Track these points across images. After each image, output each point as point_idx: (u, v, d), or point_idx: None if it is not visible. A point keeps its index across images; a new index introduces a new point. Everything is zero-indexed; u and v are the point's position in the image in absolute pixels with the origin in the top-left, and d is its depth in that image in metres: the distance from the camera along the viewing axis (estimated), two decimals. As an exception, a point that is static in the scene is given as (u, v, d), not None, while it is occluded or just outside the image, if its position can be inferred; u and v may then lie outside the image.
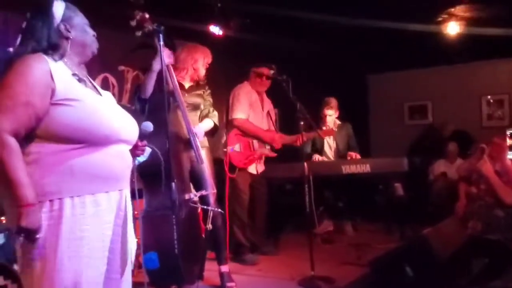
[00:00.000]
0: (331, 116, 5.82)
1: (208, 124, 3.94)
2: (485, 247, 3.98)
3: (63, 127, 1.86)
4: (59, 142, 1.86)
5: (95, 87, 2.12)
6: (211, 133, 4.07)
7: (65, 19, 2.02)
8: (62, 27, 2.01)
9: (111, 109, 2.04)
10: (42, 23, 1.98)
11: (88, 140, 1.89)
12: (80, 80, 1.97)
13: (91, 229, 1.90)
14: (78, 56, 2.07)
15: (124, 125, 2.05)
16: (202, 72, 4.00)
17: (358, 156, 5.61)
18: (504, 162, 4.43)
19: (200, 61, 3.98)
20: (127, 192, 2.11)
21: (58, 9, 2.03)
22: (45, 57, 1.91)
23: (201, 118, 3.96)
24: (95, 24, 4.80)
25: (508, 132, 4.36)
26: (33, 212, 1.77)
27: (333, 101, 5.88)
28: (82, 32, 2.07)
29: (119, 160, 2.01)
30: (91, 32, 2.11)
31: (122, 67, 5.16)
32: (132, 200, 2.18)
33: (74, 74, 1.96)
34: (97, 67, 4.87)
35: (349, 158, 5.62)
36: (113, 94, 4.96)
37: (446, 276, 3.44)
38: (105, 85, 4.92)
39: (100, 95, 2.09)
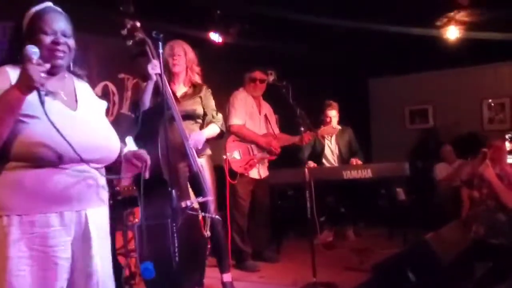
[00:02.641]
0: (335, 117, 5.82)
1: (212, 130, 3.88)
2: (488, 251, 3.97)
3: (16, 144, 1.83)
4: (13, 158, 1.84)
5: (76, 98, 2.05)
6: (219, 138, 4.03)
7: (28, 29, 1.98)
8: (25, 37, 1.96)
9: (77, 125, 1.94)
10: (13, 34, 2.00)
11: (39, 159, 1.83)
12: (47, 93, 1.86)
13: (42, 249, 1.84)
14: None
15: (90, 144, 1.95)
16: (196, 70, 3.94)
17: (360, 162, 5.61)
18: (504, 165, 4.42)
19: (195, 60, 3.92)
20: (94, 212, 2.02)
21: (26, 18, 1.99)
22: (9, 70, 1.89)
23: (206, 125, 3.91)
24: (95, 32, 4.80)
25: (507, 136, 4.33)
26: None
27: (334, 103, 5.89)
28: (37, 42, 1.92)
29: (77, 180, 1.92)
30: (46, 41, 1.95)
31: (122, 75, 5.16)
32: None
33: (38, 88, 1.80)
34: (97, 75, 4.88)
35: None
36: (113, 102, 5.01)
37: (449, 280, 3.42)
38: (105, 93, 4.92)
39: (74, 109, 2.00)
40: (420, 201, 6.34)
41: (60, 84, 2.03)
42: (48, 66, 1.84)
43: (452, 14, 5.89)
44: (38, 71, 1.76)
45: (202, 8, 5.31)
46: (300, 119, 4.39)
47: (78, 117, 1.99)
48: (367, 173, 5.21)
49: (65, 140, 1.81)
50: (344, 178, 5.21)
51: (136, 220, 4.04)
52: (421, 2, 5.35)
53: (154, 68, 3.23)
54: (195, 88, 3.89)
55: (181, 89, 3.88)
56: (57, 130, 1.80)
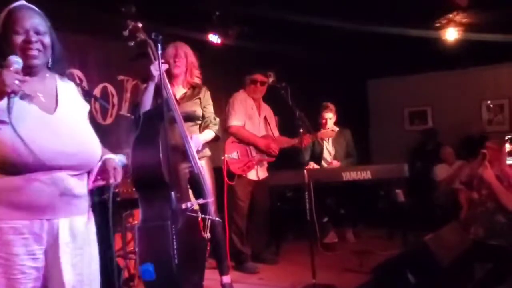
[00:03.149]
0: (331, 120, 5.84)
1: (208, 134, 3.88)
2: (487, 252, 3.97)
3: None
4: None
5: (57, 99, 1.98)
6: (213, 141, 4.02)
7: (2, 30, 1.92)
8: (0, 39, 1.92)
9: (52, 130, 1.87)
10: None
11: (7, 166, 1.78)
12: (23, 96, 1.81)
13: (7, 257, 1.80)
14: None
15: (65, 150, 1.87)
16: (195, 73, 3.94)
17: (337, 164, 5.74)
18: (503, 167, 4.42)
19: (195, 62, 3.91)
20: (69, 221, 1.94)
21: (0, 19, 1.94)
22: None
23: (204, 128, 3.91)
24: (94, 34, 4.80)
25: (507, 137, 4.33)
26: None
27: (331, 105, 5.90)
28: (10, 44, 1.89)
29: (48, 188, 1.84)
30: (18, 41, 1.89)
31: (121, 77, 5.15)
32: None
33: (9, 94, 1.75)
34: (96, 77, 4.88)
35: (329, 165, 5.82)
36: (113, 104, 5.00)
37: (449, 282, 3.42)
38: (105, 95, 4.92)
39: (52, 112, 1.92)
40: (419, 202, 6.34)
41: (40, 85, 1.96)
42: (27, 79, 1.80)
43: (451, 15, 5.89)
44: (13, 77, 1.72)
45: (201, 9, 5.31)
46: (299, 120, 4.38)
47: (55, 121, 1.91)
48: (366, 175, 5.21)
49: (28, 147, 1.76)
50: (343, 180, 5.22)
51: (135, 221, 4.03)
52: (420, 4, 5.35)
53: (158, 69, 3.21)
54: (194, 90, 3.88)
55: (180, 90, 3.87)
56: (20, 138, 1.74)
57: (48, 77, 2.02)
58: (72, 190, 1.92)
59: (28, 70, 1.89)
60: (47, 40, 1.96)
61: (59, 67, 2.08)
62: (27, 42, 1.90)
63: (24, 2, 1.99)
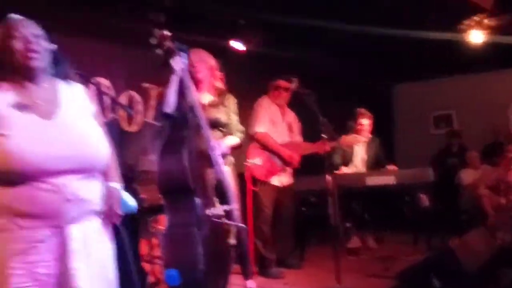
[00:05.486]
0: (368, 125, 5.74)
1: (232, 140, 3.87)
2: (514, 258, 3.92)
3: None
4: None
5: (59, 104, 1.98)
6: (237, 149, 4.04)
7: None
8: None
9: (50, 136, 1.87)
10: None
11: (6, 177, 1.80)
12: (20, 106, 1.87)
13: (22, 266, 1.81)
14: (16, 74, 1.94)
15: (63, 154, 1.87)
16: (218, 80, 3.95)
17: (395, 168, 5.60)
18: None
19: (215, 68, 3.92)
20: (77, 227, 1.93)
21: None
22: None
23: (228, 135, 3.92)
24: (119, 43, 4.87)
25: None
26: None
27: (367, 112, 5.80)
28: (7, 50, 1.93)
29: (53, 195, 1.84)
30: (14, 47, 1.92)
31: (146, 84, 5.23)
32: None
33: (9, 103, 1.85)
34: (121, 85, 4.97)
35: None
36: (137, 111, 5.09)
37: (475, 287, 3.39)
38: (130, 103, 5.01)
39: (50, 118, 1.92)
40: (445, 207, 6.28)
41: (40, 92, 1.97)
42: None
43: (476, 18, 5.85)
44: None
45: (225, 17, 5.37)
46: (323, 127, 4.38)
47: (54, 126, 1.91)
48: (390, 180, 5.18)
49: (24, 156, 1.79)
50: (367, 185, 5.19)
51: (160, 227, 4.08)
52: (445, 7, 5.33)
53: (178, 63, 3.23)
54: (220, 97, 3.90)
55: (206, 96, 3.88)
56: (16, 148, 1.79)
57: (48, 83, 2.03)
58: (78, 195, 1.91)
59: (29, 75, 1.93)
60: (43, 43, 1.98)
61: (61, 72, 2.09)
62: (27, 43, 1.93)
63: (13, 15, 2.02)
